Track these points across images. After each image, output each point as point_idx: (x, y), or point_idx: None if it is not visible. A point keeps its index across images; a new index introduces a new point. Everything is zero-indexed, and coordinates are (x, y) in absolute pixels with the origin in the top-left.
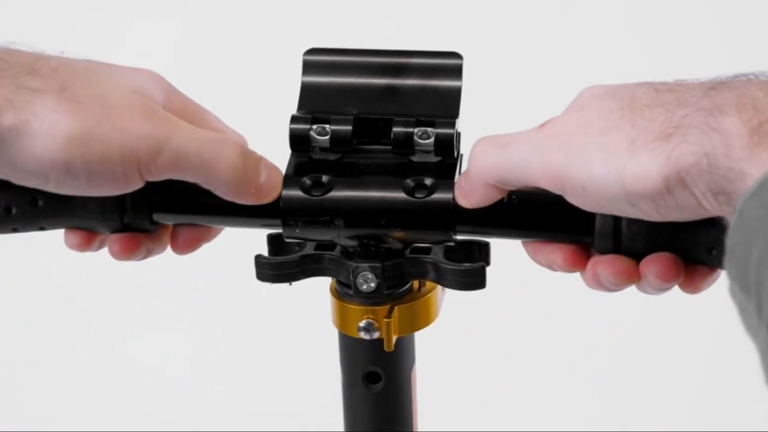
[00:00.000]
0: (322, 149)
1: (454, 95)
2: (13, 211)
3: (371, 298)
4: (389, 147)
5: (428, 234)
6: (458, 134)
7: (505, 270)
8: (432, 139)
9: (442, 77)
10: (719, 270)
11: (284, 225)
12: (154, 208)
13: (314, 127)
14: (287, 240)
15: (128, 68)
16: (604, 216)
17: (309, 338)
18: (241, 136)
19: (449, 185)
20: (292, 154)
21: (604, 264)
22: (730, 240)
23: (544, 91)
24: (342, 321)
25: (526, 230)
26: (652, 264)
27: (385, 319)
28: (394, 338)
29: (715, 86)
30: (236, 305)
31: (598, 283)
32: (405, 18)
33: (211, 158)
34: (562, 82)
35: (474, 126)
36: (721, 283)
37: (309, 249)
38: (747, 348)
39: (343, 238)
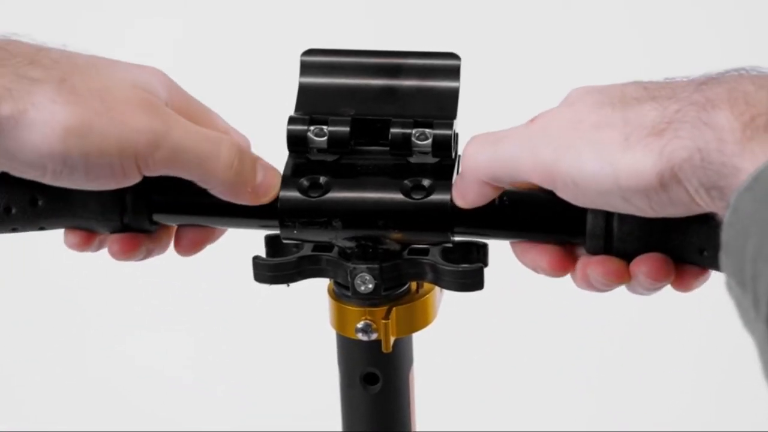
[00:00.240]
0: (320, 150)
1: (452, 96)
2: (13, 210)
3: (369, 300)
4: (387, 148)
5: (426, 235)
6: (456, 135)
7: (503, 271)
8: (430, 140)
9: (440, 78)
10: (710, 269)
11: (282, 226)
12: (154, 209)
13: (312, 128)
14: (285, 241)
15: (132, 64)
16: (595, 217)
17: (307, 339)
18: (243, 137)
19: (447, 186)
20: (289, 155)
21: (594, 265)
22: (725, 235)
23: (543, 93)
24: (340, 322)
25: (518, 231)
26: (643, 264)
27: (383, 321)
28: (392, 339)
29: (706, 81)
30: (234, 306)
31: (588, 284)
32: (403, 18)
33: (208, 156)
34: (561, 84)
35: (472, 127)
36: (718, 281)
37: (307, 250)
38: (744, 345)
39: (340, 239)
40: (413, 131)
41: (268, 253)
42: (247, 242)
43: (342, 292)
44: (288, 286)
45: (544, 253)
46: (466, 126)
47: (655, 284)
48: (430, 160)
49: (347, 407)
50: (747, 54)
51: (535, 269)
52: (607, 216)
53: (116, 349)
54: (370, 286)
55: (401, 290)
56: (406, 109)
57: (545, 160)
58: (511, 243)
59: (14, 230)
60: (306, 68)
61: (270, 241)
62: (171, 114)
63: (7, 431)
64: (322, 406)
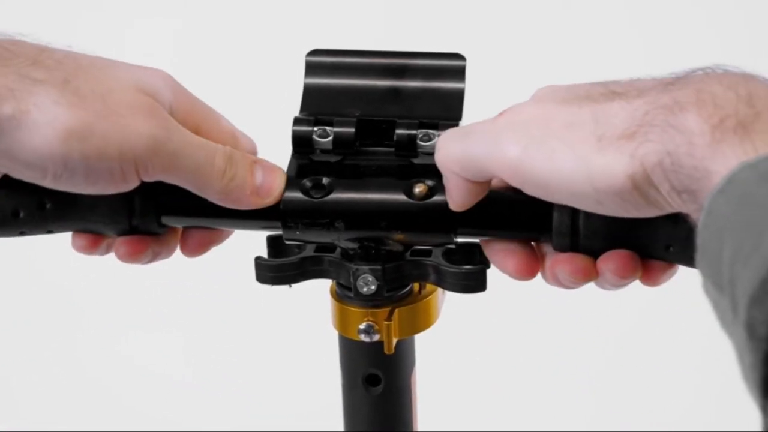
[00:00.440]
0: (325, 151)
1: (458, 97)
2: (21, 214)
3: (371, 301)
4: (392, 149)
5: (429, 236)
6: None
7: None
8: (434, 142)
9: (446, 79)
10: (678, 264)
11: (284, 227)
12: (162, 211)
13: (317, 129)
14: (287, 242)
15: (137, 66)
16: (561, 214)
17: (309, 340)
18: (249, 139)
19: None
20: (292, 156)
21: (562, 263)
22: (700, 237)
23: None
24: (342, 323)
25: (483, 229)
26: (610, 261)
27: (386, 322)
28: (395, 341)
29: (673, 82)
30: (236, 307)
31: (557, 282)
32: (408, 19)
33: (203, 164)
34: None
35: None
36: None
37: (309, 251)
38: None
39: (343, 240)
40: (418, 132)
41: (270, 254)
42: (249, 243)
43: (344, 293)
44: (290, 287)
45: (509, 258)
46: None
47: (622, 281)
48: (434, 161)
49: (349, 409)
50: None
51: (504, 272)
52: (573, 213)
53: (115, 350)
54: (373, 287)
55: (404, 291)
56: (412, 110)
57: (513, 157)
58: (481, 242)
59: (22, 233)
60: (311, 69)
61: (272, 242)
62: (171, 120)
63: (5, 431)
64: (323, 408)
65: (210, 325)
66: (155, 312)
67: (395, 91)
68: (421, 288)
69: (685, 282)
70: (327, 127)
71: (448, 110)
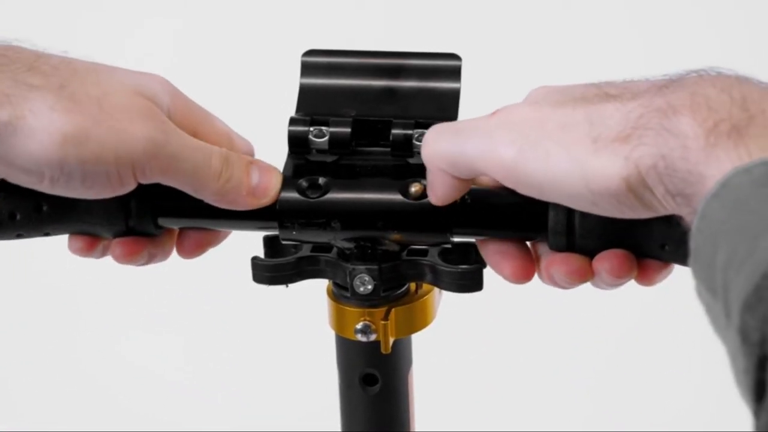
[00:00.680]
0: (320, 151)
1: (453, 97)
2: (18, 216)
3: (368, 301)
4: (388, 149)
5: (425, 236)
6: None
7: None
8: None
9: (441, 79)
10: (673, 263)
11: (281, 227)
12: (158, 212)
13: (312, 129)
14: (284, 242)
15: (134, 71)
16: (556, 213)
17: (306, 340)
18: (246, 141)
19: None
20: (288, 156)
21: (557, 264)
22: (694, 241)
23: None
24: (339, 323)
25: (479, 228)
26: (606, 261)
27: (382, 322)
28: (391, 340)
29: (667, 84)
30: (233, 307)
31: (553, 282)
32: (403, 19)
33: (201, 165)
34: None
35: None
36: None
37: (305, 251)
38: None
39: (339, 240)
40: (414, 132)
41: (266, 254)
42: (245, 243)
43: (341, 293)
44: (287, 286)
45: (505, 261)
46: None
47: (617, 281)
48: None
49: (346, 408)
50: (747, 54)
51: (500, 276)
52: (569, 212)
53: (113, 350)
54: (369, 287)
55: (400, 291)
56: (407, 110)
57: (508, 158)
58: (477, 241)
59: (19, 236)
60: (307, 69)
61: (269, 242)
62: (169, 123)
63: (5, 431)
64: (321, 407)
65: (207, 326)
66: (153, 312)
67: (391, 91)
68: (417, 288)
69: (681, 281)
70: (323, 127)
71: (443, 110)
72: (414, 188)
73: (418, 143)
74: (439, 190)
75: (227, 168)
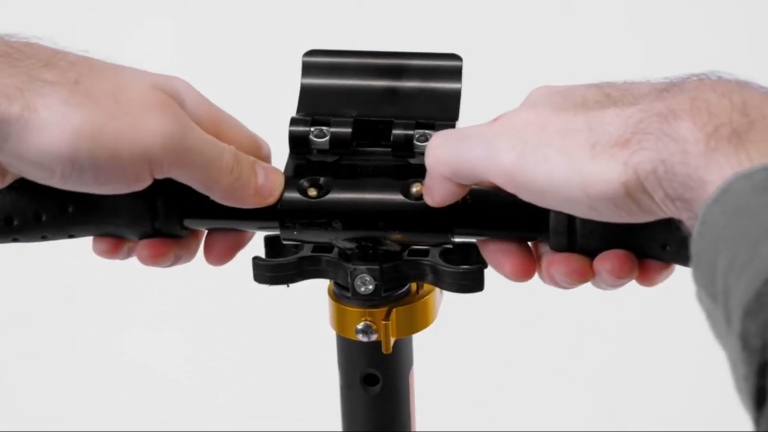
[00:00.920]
0: (321, 151)
1: (454, 97)
2: (43, 218)
3: (369, 301)
4: (389, 149)
5: (426, 236)
6: None
7: None
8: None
9: (442, 79)
10: (674, 264)
11: (282, 227)
12: (185, 214)
13: (313, 129)
14: (285, 242)
15: (156, 73)
16: (557, 214)
17: (307, 340)
18: (266, 144)
19: None
20: (290, 156)
21: (558, 264)
22: (695, 246)
23: None
24: (340, 323)
25: (481, 229)
26: (606, 261)
27: (383, 322)
28: (392, 340)
29: (667, 88)
30: (234, 307)
31: (553, 282)
32: (405, 19)
33: (214, 160)
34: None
35: None
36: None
37: (306, 251)
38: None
39: (340, 240)
40: (415, 132)
41: (267, 254)
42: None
43: (342, 293)
44: (288, 286)
45: (505, 259)
46: None
47: (618, 281)
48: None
49: (347, 408)
50: (747, 54)
51: (501, 274)
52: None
53: (114, 349)
54: (371, 287)
55: (401, 291)
56: (408, 111)
57: (509, 164)
58: (478, 243)
59: (44, 238)
60: (308, 69)
61: (270, 242)
62: (185, 116)
63: (4, 431)
64: (321, 407)
65: (208, 325)
66: (154, 311)
67: (392, 92)
68: (418, 288)
69: (682, 282)
70: (324, 128)
71: (444, 111)
72: (415, 188)
73: (419, 143)
74: (438, 195)
75: (238, 165)
